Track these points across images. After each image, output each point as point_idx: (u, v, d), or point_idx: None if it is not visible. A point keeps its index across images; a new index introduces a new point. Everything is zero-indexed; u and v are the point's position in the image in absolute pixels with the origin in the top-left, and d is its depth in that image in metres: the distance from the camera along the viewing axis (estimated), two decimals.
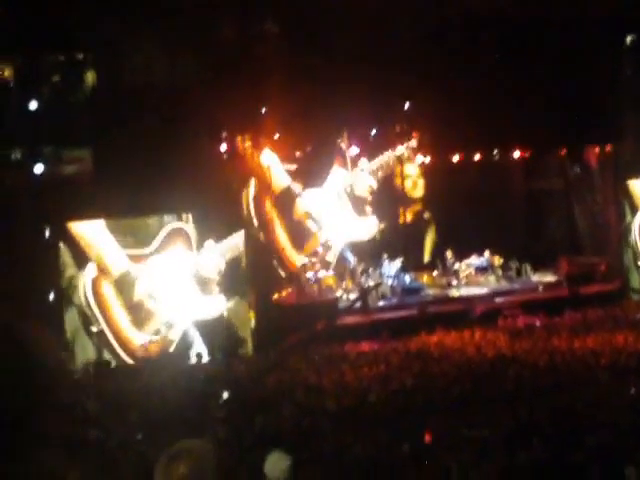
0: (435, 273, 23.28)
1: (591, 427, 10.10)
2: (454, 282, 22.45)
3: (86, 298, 17.13)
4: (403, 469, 9.37)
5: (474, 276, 22.87)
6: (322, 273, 20.95)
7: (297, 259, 20.81)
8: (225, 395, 13.40)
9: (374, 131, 21.17)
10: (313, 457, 9.72)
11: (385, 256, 22.29)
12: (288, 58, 18.57)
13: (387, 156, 22.03)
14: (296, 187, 20.96)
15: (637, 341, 15.83)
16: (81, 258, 17.22)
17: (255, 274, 18.96)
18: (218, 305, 18.09)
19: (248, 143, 19.03)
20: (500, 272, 23.05)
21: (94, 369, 16.02)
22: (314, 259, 20.90)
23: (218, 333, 18.03)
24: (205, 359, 17.50)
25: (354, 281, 21.71)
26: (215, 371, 15.79)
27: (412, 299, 21.23)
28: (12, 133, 16.83)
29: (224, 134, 18.63)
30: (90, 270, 17.23)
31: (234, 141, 18.87)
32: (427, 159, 22.72)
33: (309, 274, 20.69)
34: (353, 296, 20.76)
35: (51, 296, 16.91)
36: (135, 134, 16.79)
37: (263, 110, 18.67)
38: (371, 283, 21.34)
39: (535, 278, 22.94)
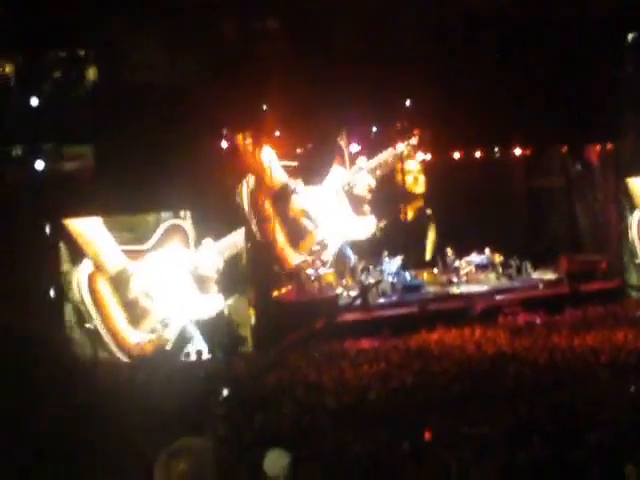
0: (435, 270, 23.30)
1: (591, 425, 10.10)
2: (454, 280, 22.45)
3: (81, 295, 17.11)
4: (403, 467, 9.37)
5: (474, 274, 22.88)
6: (322, 270, 20.95)
7: (292, 257, 20.80)
8: (225, 392, 13.41)
9: (375, 128, 21.14)
10: (313, 455, 9.73)
11: (385, 253, 22.30)
12: (288, 56, 18.57)
13: (386, 154, 22.01)
14: (292, 184, 20.93)
15: (637, 339, 15.84)
16: (77, 254, 17.20)
17: (255, 271, 18.96)
18: (216, 304, 18.06)
19: (248, 140, 19.02)
20: (500, 270, 23.08)
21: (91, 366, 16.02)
22: (310, 258, 20.89)
23: (218, 331, 18.03)
24: (205, 356, 17.50)
25: (354, 278, 21.72)
26: (215, 369, 15.80)
27: (412, 296, 21.24)
28: (13, 130, 16.83)
29: (224, 131, 18.62)
30: (86, 266, 17.20)
31: (234, 138, 18.86)
32: (428, 156, 22.70)
33: (309, 271, 20.69)
34: (353, 293, 20.78)
35: (51, 293, 16.92)
36: (136, 131, 16.80)
37: (263, 108, 18.66)
38: (371, 280, 21.34)
39: (535, 276, 22.95)
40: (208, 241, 18.12)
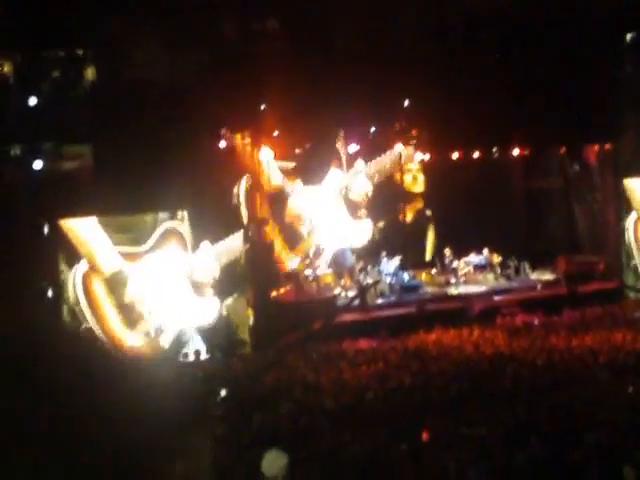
0: (434, 271, 23.27)
1: (589, 426, 10.12)
2: (453, 280, 22.42)
3: (76, 295, 17.08)
4: (401, 467, 9.38)
5: (473, 274, 22.85)
6: (320, 271, 20.94)
7: (288, 261, 20.80)
8: (223, 393, 13.41)
9: (373, 129, 21.13)
10: (310, 455, 9.75)
11: (384, 254, 22.28)
12: (288, 56, 18.57)
13: (385, 160, 21.99)
14: (289, 187, 20.92)
15: (635, 339, 15.84)
16: (72, 254, 17.16)
17: (253, 272, 18.95)
18: (212, 309, 18.04)
19: (247, 140, 19.02)
20: (499, 270, 23.05)
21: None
22: (306, 261, 20.90)
23: (216, 332, 18.02)
24: (203, 357, 17.48)
25: (352, 279, 21.70)
26: (213, 369, 15.79)
27: (410, 297, 21.20)
28: (12, 129, 16.83)
29: (223, 131, 18.61)
30: (81, 267, 17.17)
31: (233, 138, 18.85)
32: (426, 157, 22.68)
33: (307, 272, 20.69)
34: (351, 294, 20.74)
35: (49, 293, 16.91)
36: (135, 131, 16.80)
37: (262, 108, 18.65)
38: (369, 281, 21.31)
39: (534, 276, 22.93)
40: (206, 244, 18.09)
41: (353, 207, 22.05)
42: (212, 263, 18.08)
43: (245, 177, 19.38)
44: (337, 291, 21.00)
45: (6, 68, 16.91)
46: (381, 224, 22.56)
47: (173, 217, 18.11)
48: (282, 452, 6.77)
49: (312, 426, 11.32)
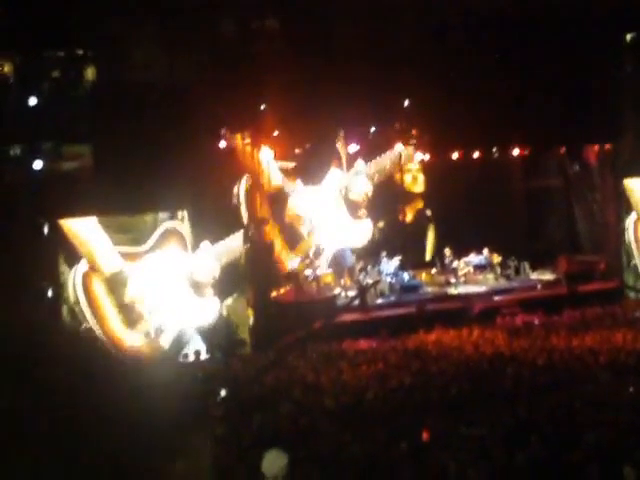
0: (434, 271, 23.29)
1: (589, 426, 10.11)
2: (453, 280, 22.44)
3: (76, 295, 17.07)
4: (401, 467, 9.37)
5: (473, 274, 22.88)
6: (320, 271, 20.95)
7: (288, 262, 20.80)
8: (223, 393, 13.40)
9: (373, 129, 21.12)
10: (311, 455, 9.73)
11: (384, 254, 22.29)
12: (287, 56, 18.56)
13: (385, 160, 21.99)
14: (289, 187, 20.92)
15: (635, 339, 15.83)
16: (72, 254, 17.17)
17: (254, 272, 18.95)
18: (212, 309, 18.03)
19: (247, 140, 19.01)
20: (499, 270, 23.07)
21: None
22: (306, 261, 20.90)
23: (217, 332, 18.02)
24: (203, 357, 17.47)
25: (352, 279, 21.72)
26: (213, 369, 15.78)
27: (410, 297, 21.22)
28: (12, 129, 16.82)
29: (223, 131, 18.60)
30: (81, 267, 17.17)
31: (233, 138, 18.85)
32: (426, 157, 22.67)
33: (307, 271, 20.69)
34: (351, 294, 20.76)
35: (49, 292, 16.91)
36: (134, 131, 16.79)
37: (262, 107, 18.65)
38: (369, 281, 21.34)
39: (534, 276, 22.95)
40: (206, 244, 18.09)
41: (353, 207, 22.06)
42: (212, 263, 18.09)
43: (245, 177, 19.38)
44: (337, 291, 21.02)
45: (6, 68, 16.91)
46: (381, 224, 22.57)
47: (173, 217, 18.11)
48: (282, 452, 6.76)
49: (312, 426, 11.31)
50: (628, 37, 21.67)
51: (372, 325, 18.80)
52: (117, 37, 17.15)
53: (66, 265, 17.13)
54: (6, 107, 16.84)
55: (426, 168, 23.65)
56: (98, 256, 17.31)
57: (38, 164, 16.90)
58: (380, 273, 21.83)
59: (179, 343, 17.68)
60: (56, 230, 17.07)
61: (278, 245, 20.63)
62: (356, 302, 20.25)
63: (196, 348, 17.49)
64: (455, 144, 21.95)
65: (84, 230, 17.31)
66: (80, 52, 17.51)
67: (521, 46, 20.21)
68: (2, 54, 16.87)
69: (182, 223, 18.17)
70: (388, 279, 21.70)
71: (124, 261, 17.52)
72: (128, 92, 17.11)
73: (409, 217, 23.98)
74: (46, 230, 17.00)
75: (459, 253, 23.07)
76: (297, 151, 20.99)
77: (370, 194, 22.12)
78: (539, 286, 22.16)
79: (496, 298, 21.06)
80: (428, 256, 24.13)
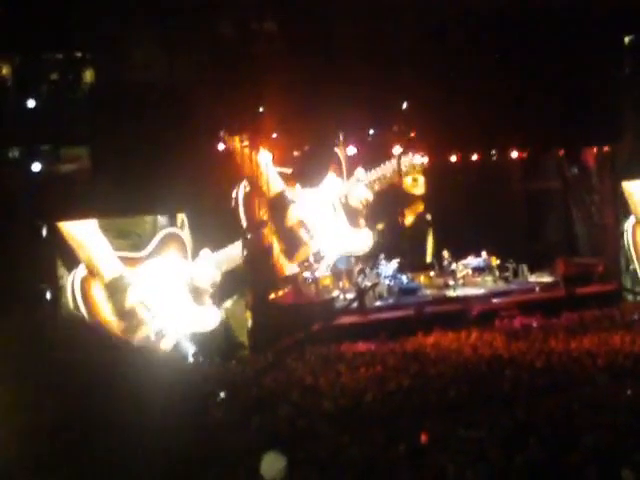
0: (432, 273, 23.26)
1: (588, 428, 10.11)
2: (451, 282, 22.40)
3: (75, 300, 17.04)
4: (399, 470, 9.37)
5: (471, 277, 22.85)
6: (319, 273, 20.93)
7: (286, 267, 20.79)
8: (222, 395, 13.39)
9: (372, 131, 21.09)
10: (309, 458, 9.73)
11: (382, 256, 22.27)
12: (287, 56, 18.55)
13: (385, 169, 21.96)
14: (290, 193, 20.91)
15: (634, 342, 15.84)
16: (71, 259, 17.14)
17: (252, 274, 18.93)
18: (212, 317, 18.01)
19: (245, 143, 19.00)
20: (497, 273, 23.04)
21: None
22: (305, 264, 20.89)
23: (215, 334, 18.01)
24: (202, 360, 17.45)
25: (351, 281, 21.69)
26: (212, 372, 15.77)
27: (409, 299, 21.19)
28: (10, 131, 16.82)
29: (222, 133, 18.59)
30: (79, 272, 17.13)
31: (231, 140, 18.84)
32: (425, 159, 22.64)
33: (306, 274, 20.68)
34: (350, 296, 20.73)
35: (48, 296, 16.88)
36: (133, 133, 16.78)
37: (261, 109, 18.64)
38: (368, 283, 21.30)
39: (532, 279, 22.92)
40: (206, 252, 18.06)
41: (353, 214, 22.03)
42: (212, 271, 18.06)
43: (244, 182, 19.38)
44: (335, 293, 21.00)
45: (4, 70, 16.91)
46: (380, 226, 22.54)
47: (173, 222, 18.08)
48: (281, 455, 6.76)
49: (310, 428, 11.31)
50: (627, 39, 21.67)
51: (370, 328, 18.77)
52: (116, 38, 17.13)
53: (65, 269, 17.11)
54: (4, 109, 16.83)
55: (425, 170, 23.62)
56: (98, 260, 17.28)
57: (36, 166, 16.89)
58: (378, 276, 21.79)
59: (178, 347, 17.64)
60: (55, 233, 17.05)
61: (276, 248, 20.61)
62: (354, 305, 20.22)
63: (195, 351, 17.47)
64: (454, 146, 21.93)
65: (83, 234, 17.28)
66: (79, 54, 17.51)
67: (521, 47, 20.19)
68: (0, 56, 16.87)
69: (182, 229, 18.15)
70: (386, 282, 21.67)
71: (125, 266, 17.49)
72: (127, 93, 17.11)
73: (409, 220, 23.94)
74: (45, 232, 16.98)
75: (457, 255, 23.04)
76: (295, 154, 20.95)
77: (370, 200, 22.09)
78: (537, 289, 22.12)
79: (494, 300, 21.04)
80: (429, 258, 24.10)
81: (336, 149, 21.40)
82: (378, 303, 20.95)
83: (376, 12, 18.72)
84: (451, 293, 21.87)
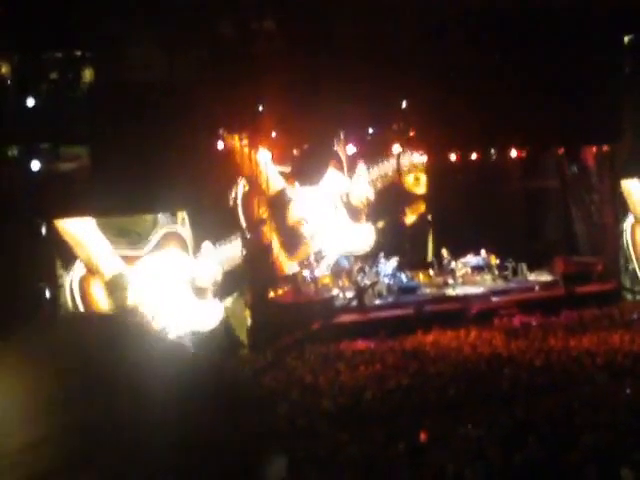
0: (431, 272, 23.26)
1: (587, 427, 10.12)
2: (450, 281, 22.41)
3: (73, 300, 17.03)
4: (399, 468, 9.38)
5: (470, 275, 22.85)
6: (318, 272, 20.94)
7: (287, 265, 20.80)
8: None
9: (371, 130, 21.10)
10: (309, 456, 9.73)
11: (381, 255, 22.27)
12: (286, 56, 18.55)
13: (387, 167, 21.97)
14: (290, 192, 20.91)
15: (633, 341, 15.86)
16: (69, 257, 17.13)
17: (251, 272, 18.94)
18: (214, 314, 18.00)
19: (245, 141, 19.00)
20: (496, 271, 23.04)
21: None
22: (305, 263, 20.90)
23: (215, 333, 18.00)
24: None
25: (350, 280, 21.69)
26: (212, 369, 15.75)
27: (408, 298, 21.20)
28: (10, 130, 16.80)
29: (221, 132, 18.60)
30: (78, 271, 17.13)
31: (231, 139, 18.84)
32: (424, 158, 22.66)
33: (306, 273, 20.70)
34: (349, 295, 20.75)
35: (47, 294, 16.88)
36: (133, 132, 16.76)
37: (260, 108, 18.64)
38: (367, 282, 21.31)
39: (531, 277, 22.93)
40: (207, 246, 18.04)
41: (354, 212, 22.04)
42: (215, 267, 18.05)
43: (242, 181, 19.38)
44: (335, 292, 21.01)
45: (4, 69, 16.89)
46: (381, 224, 22.55)
47: (173, 220, 18.07)
48: (280, 453, 6.75)
49: (310, 427, 11.32)
50: (627, 39, 21.67)
51: (370, 326, 18.79)
52: (116, 38, 17.12)
53: (63, 268, 17.09)
54: (4, 108, 16.81)
55: (424, 169, 23.63)
56: (97, 259, 17.27)
57: (36, 165, 16.88)
58: (378, 274, 21.80)
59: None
60: (53, 231, 17.05)
61: (276, 247, 20.63)
62: (354, 303, 20.24)
63: (194, 350, 17.47)
64: (452, 145, 21.93)
65: (82, 232, 17.27)
66: (78, 53, 17.51)
67: (521, 46, 20.18)
68: (0, 55, 16.86)
69: (182, 226, 18.14)
70: (386, 280, 21.68)
71: (125, 264, 17.48)
72: (126, 92, 17.10)
73: (410, 218, 23.94)
74: (44, 231, 16.98)
75: (457, 254, 23.04)
76: (295, 152, 20.96)
77: (371, 197, 22.11)
78: (537, 287, 22.15)
79: (494, 299, 21.06)
80: (430, 257, 24.09)
81: (336, 147, 21.41)
82: (377, 302, 20.96)
83: (376, 12, 18.71)
84: (450, 292, 21.88)
